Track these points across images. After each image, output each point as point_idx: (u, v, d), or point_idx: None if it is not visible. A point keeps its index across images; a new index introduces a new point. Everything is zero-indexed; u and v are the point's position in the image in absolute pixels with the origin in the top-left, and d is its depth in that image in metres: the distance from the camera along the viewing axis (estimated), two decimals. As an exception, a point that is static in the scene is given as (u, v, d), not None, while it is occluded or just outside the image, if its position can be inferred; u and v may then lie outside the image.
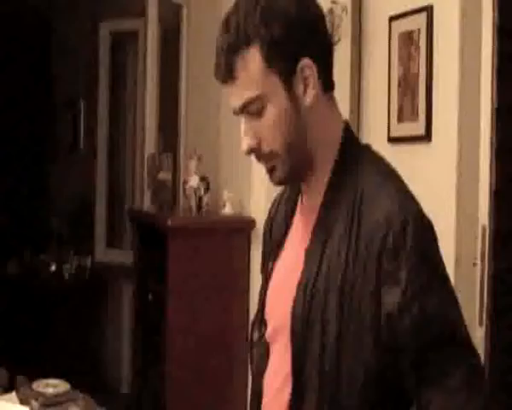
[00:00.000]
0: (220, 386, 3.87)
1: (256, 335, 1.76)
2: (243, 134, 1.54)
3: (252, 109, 1.50)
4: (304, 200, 1.64)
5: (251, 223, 3.92)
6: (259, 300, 1.75)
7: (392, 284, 1.42)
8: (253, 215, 3.95)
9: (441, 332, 1.42)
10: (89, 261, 5.85)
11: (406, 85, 3.19)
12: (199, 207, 4.15)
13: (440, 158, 2.99)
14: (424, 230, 1.47)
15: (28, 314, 5.48)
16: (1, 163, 6.19)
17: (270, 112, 1.49)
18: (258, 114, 1.50)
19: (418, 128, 3.08)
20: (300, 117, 1.52)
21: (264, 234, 1.83)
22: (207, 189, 4.18)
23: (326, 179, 1.55)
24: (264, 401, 1.65)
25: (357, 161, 1.55)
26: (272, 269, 1.69)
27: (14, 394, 2.61)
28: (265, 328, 1.69)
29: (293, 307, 1.52)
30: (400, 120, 3.20)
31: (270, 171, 1.56)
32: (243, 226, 3.99)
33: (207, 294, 3.85)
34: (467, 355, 1.44)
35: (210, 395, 3.82)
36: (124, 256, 5.31)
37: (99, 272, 5.77)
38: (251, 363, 1.78)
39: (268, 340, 1.66)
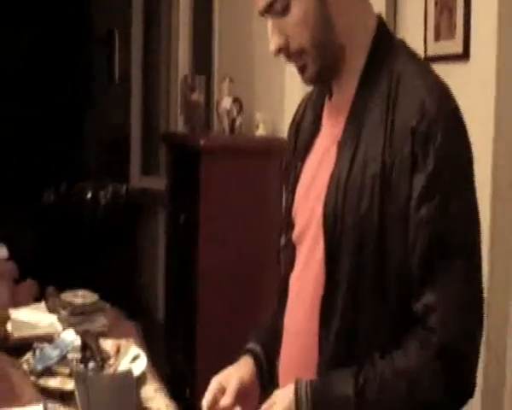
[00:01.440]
0: (252, 310, 3.86)
1: (283, 239, 1.72)
2: (270, 34, 1.49)
3: (276, 8, 1.45)
4: (333, 99, 1.58)
5: (284, 144, 3.85)
6: (286, 203, 1.71)
7: (419, 171, 1.37)
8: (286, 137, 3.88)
9: (455, 237, 1.38)
10: (124, 189, 5.87)
11: (443, 2, 3.07)
12: (232, 128, 4.09)
13: (478, 77, 2.89)
14: (458, 129, 1.42)
15: (64, 241, 5.53)
16: (39, 96, 6.21)
17: (295, 7, 1.44)
18: (284, 11, 1.45)
19: (456, 46, 2.97)
20: (327, 10, 1.45)
21: (289, 139, 1.78)
22: (240, 110, 4.12)
23: (358, 73, 1.49)
24: (291, 302, 1.62)
25: (393, 51, 1.49)
26: (300, 171, 1.64)
27: (43, 303, 2.62)
28: (292, 230, 1.65)
29: (326, 201, 1.47)
30: (437, 38, 3.09)
31: (301, 70, 1.52)
32: (277, 148, 3.92)
33: (240, 215, 3.81)
34: (473, 276, 1.41)
35: (242, 318, 3.81)
36: (158, 183, 5.30)
37: (134, 199, 5.79)
38: (279, 269, 1.75)
39: (295, 242, 1.62)
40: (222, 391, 1.63)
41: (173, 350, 4.23)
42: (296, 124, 1.74)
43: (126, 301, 2.90)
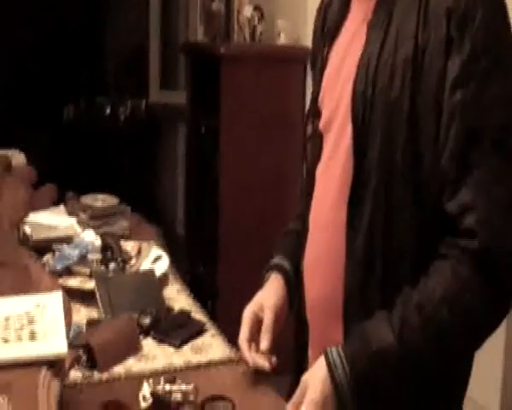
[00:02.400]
0: (273, 222, 3.80)
1: (309, 128, 1.63)
2: None
3: None
4: None
5: (306, 52, 3.74)
6: (313, 91, 1.62)
7: (454, 55, 1.27)
8: (309, 45, 3.75)
9: (492, 129, 1.27)
10: (143, 104, 5.78)
11: None
12: (253, 37, 3.97)
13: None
14: (499, 11, 1.30)
15: (84, 154, 5.48)
16: (55, 11, 6.08)
17: None
18: None
19: None
20: None
21: (316, 23, 1.68)
22: (261, 18, 3.99)
23: None
24: (317, 194, 1.54)
25: None
26: (328, 55, 1.55)
27: (62, 207, 2.57)
28: (319, 119, 1.56)
29: (354, 84, 1.37)
30: None
31: None
32: (298, 56, 3.81)
33: (261, 125, 3.73)
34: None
35: (262, 230, 3.76)
36: (178, 97, 5.20)
37: (154, 113, 5.71)
38: (305, 160, 1.66)
39: (322, 131, 1.54)
40: (257, 324, 1.56)
41: (194, 264, 4.20)
42: (324, 7, 1.64)
43: (146, 214, 2.86)
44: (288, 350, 1.59)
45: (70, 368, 1.37)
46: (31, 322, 1.24)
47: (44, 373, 1.12)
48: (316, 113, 1.58)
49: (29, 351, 1.17)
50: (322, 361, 1.31)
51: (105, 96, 6.06)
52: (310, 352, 1.58)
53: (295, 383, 1.48)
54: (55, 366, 1.16)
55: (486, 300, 1.26)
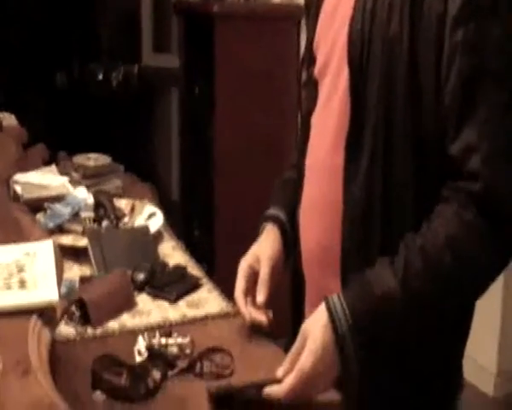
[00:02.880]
0: (270, 182, 3.75)
1: (304, 75, 1.58)
2: None
3: None
4: None
5: (301, 10, 3.66)
6: (307, 37, 1.57)
7: None
8: (303, 1, 3.69)
9: (495, 67, 1.22)
10: (136, 69, 5.70)
11: None
12: (247, -5, 3.90)
13: None
14: None
15: (77, 119, 5.41)
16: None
17: None
18: None
19: None
20: None
21: None
22: (255, -24, 3.92)
23: None
24: (313, 139, 1.49)
25: None
26: (321, 1, 1.49)
27: (53, 167, 2.52)
28: (314, 65, 1.51)
29: (351, 25, 1.32)
30: None
31: None
32: (293, 14, 3.75)
33: (255, 84, 3.66)
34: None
35: (258, 191, 3.71)
36: (171, 61, 5.13)
37: (147, 78, 5.63)
38: (300, 108, 1.61)
39: (317, 77, 1.49)
40: (253, 277, 1.51)
41: (190, 228, 4.16)
42: None
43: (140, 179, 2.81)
44: (283, 314, 1.56)
45: (62, 318, 1.33)
46: (20, 270, 1.19)
47: (35, 321, 1.08)
48: (310, 59, 1.53)
49: (18, 299, 1.13)
50: (322, 308, 1.27)
51: (97, 63, 5.98)
52: (306, 309, 1.54)
53: (292, 341, 1.44)
54: (45, 314, 1.12)
55: (490, 243, 1.22)
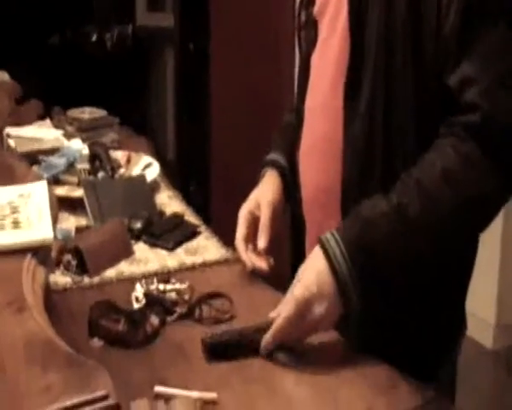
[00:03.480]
0: (266, 140, 3.71)
1: (304, 15, 1.54)
2: None
3: None
4: None
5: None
6: None
7: None
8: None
9: (494, 3, 1.19)
10: (130, 29, 5.62)
11: None
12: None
13: None
14: None
15: (72, 80, 5.34)
16: None
17: None
18: None
19: None
20: None
21: None
22: None
23: None
24: (313, 80, 1.46)
25: None
26: None
27: (48, 121, 2.48)
28: (313, 5, 1.47)
29: None
30: None
31: None
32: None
33: (250, 38, 3.60)
34: None
35: (255, 149, 3.67)
36: (165, 19, 5.05)
37: (141, 38, 5.55)
38: (300, 50, 1.58)
39: (316, 16, 1.45)
40: (254, 223, 1.49)
41: (186, 185, 4.12)
42: None
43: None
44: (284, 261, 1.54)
45: (57, 260, 1.30)
46: (14, 212, 1.16)
47: (29, 260, 1.05)
48: (309, 0, 1.49)
49: (12, 239, 1.10)
50: (315, 249, 1.24)
51: (91, 24, 5.90)
52: (307, 252, 1.51)
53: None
54: (40, 253, 1.09)
55: (488, 176, 1.19)
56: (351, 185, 1.33)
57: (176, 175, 4.24)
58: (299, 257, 1.52)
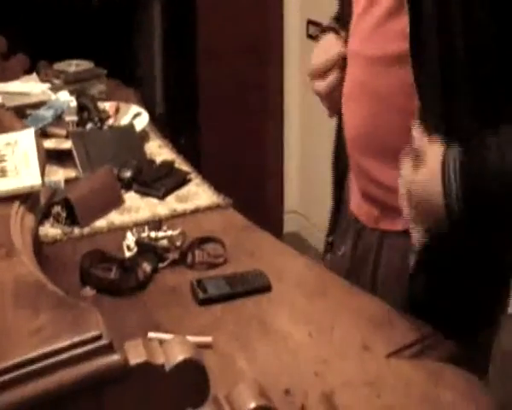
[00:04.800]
0: (254, 89, 3.67)
1: None
2: None
3: None
4: None
5: None
6: None
7: None
8: None
9: None
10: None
11: None
12: None
13: None
14: None
15: (57, 32, 5.26)
16: None
17: None
18: None
19: None
20: None
21: None
22: None
23: None
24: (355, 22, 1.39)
25: None
26: None
27: (34, 75, 2.44)
28: None
29: None
30: None
31: None
32: None
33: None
34: None
35: (243, 99, 3.63)
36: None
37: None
38: None
39: None
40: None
41: (176, 137, 4.08)
42: None
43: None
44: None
45: (47, 207, 1.29)
46: (1, 160, 1.14)
47: (17, 207, 1.04)
48: None
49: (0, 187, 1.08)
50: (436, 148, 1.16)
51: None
52: (346, 184, 1.52)
53: (334, 219, 1.49)
54: (29, 200, 1.08)
55: None
56: (393, 130, 1.29)
57: (165, 128, 4.21)
58: (340, 192, 1.50)
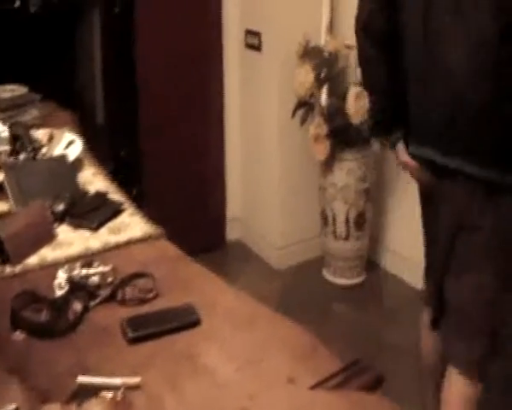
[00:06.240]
0: (195, 100, 3.67)
1: None
2: None
3: None
4: None
5: None
6: None
7: None
8: None
9: None
10: (55, -8, 5.48)
11: None
12: None
13: None
14: None
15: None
16: None
17: None
18: None
19: None
20: None
21: None
22: None
23: None
24: None
25: None
26: None
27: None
28: None
29: None
30: None
31: None
32: None
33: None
34: None
35: (184, 110, 3.63)
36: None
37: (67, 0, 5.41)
38: None
39: None
40: None
41: (117, 150, 4.06)
42: None
43: (64, 105, 2.72)
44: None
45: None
46: None
47: None
48: None
49: None
50: None
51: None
52: None
53: None
54: None
55: None
56: None
57: (106, 139, 4.18)
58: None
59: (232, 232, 3.70)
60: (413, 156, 1.77)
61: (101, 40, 4.27)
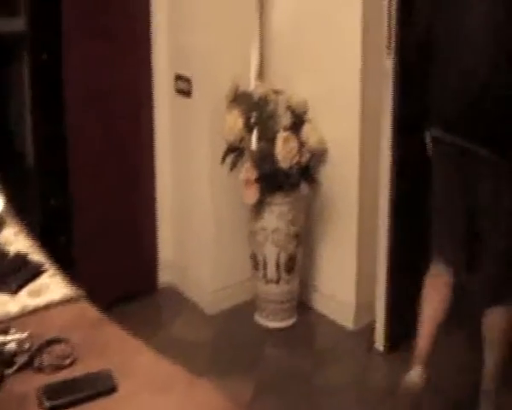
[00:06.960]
0: (126, 144, 3.67)
1: None
2: None
3: None
4: None
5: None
6: None
7: None
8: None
9: None
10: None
11: None
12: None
13: None
14: None
15: None
16: None
17: None
18: None
19: None
20: None
21: None
22: None
23: None
24: None
25: None
26: None
27: None
28: None
29: None
30: None
31: None
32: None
33: (108, 38, 3.54)
34: None
35: (115, 155, 3.63)
36: (20, 23, 4.89)
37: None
38: None
39: None
40: None
41: (46, 197, 4.02)
42: None
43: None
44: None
45: None
46: None
47: None
48: None
49: None
50: None
51: None
52: None
53: None
54: None
55: None
56: None
57: (36, 184, 4.13)
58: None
59: (164, 276, 3.69)
60: (436, 140, 1.83)
61: (29, 85, 4.25)
